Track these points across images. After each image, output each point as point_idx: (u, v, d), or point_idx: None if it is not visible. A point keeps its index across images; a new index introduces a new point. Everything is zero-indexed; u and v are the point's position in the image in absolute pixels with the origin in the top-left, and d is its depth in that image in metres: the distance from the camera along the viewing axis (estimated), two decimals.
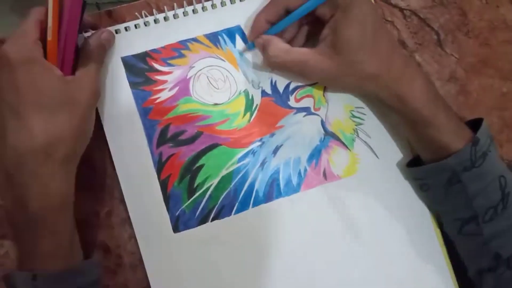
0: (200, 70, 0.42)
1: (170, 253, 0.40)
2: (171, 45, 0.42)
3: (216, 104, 0.42)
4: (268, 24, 0.41)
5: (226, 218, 0.41)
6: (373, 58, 0.37)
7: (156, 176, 0.41)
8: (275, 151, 0.42)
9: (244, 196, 0.41)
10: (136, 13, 0.42)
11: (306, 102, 0.43)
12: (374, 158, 0.43)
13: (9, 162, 0.34)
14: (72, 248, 0.36)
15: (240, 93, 0.43)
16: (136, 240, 0.40)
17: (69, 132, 0.34)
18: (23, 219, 0.34)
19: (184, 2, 0.43)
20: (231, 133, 0.42)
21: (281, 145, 0.42)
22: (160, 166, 0.41)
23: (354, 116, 0.44)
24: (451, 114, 0.39)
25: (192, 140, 0.41)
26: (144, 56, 0.42)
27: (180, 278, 0.40)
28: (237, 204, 0.41)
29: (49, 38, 0.35)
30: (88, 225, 0.41)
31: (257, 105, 0.43)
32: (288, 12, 0.40)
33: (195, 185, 0.41)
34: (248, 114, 0.42)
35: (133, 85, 0.41)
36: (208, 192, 0.41)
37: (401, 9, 0.46)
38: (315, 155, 0.43)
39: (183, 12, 0.42)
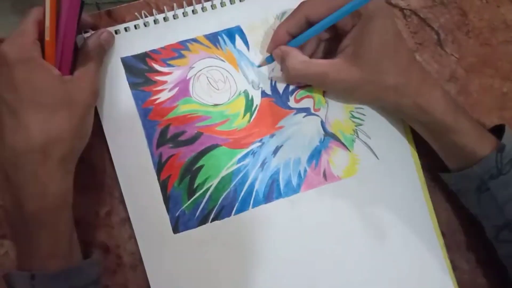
0: (200, 70, 0.42)
1: (170, 254, 0.40)
2: (171, 45, 0.42)
3: (216, 104, 0.42)
4: (289, 36, 0.40)
5: (226, 219, 0.41)
6: (395, 68, 0.37)
7: (156, 176, 0.41)
8: (275, 152, 0.42)
9: (244, 196, 0.41)
10: (136, 13, 0.42)
11: (306, 103, 0.43)
12: (374, 158, 0.43)
13: (8, 162, 0.34)
14: (71, 248, 0.36)
15: (240, 94, 0.42)
16: (136, 240, 0.40)
17: (67, 132, 0.34)
18: (22, 219, 0.34)
19: (184, 3, 0.42)
20: (231, 133, 0.42)
21: (281, 146, 0.42)
22: (160, 166, 0.41)
23: (354, 117, 0.44)
24: (473, 121, 0.39)
25: (192, 140, 0.41)
26: (143, 57, 0.41)
27: (179, 279, 0.40)
28: (237, 204, 0.41)
29: (47, 38, 0.35)
30: (87, 225, 0.41)
31: (257, 105, 0.43)
32: (309, 24, 0.39)
33: (195, 185, 0.41)
34: (248, 115, 0.42)
35: (133, 85, 0.41)
36: (208, 193, 0.41)
37: (401, 9, 0.46)
38: (315, 155, 0.43)
39: (183, 13, 0.42)
